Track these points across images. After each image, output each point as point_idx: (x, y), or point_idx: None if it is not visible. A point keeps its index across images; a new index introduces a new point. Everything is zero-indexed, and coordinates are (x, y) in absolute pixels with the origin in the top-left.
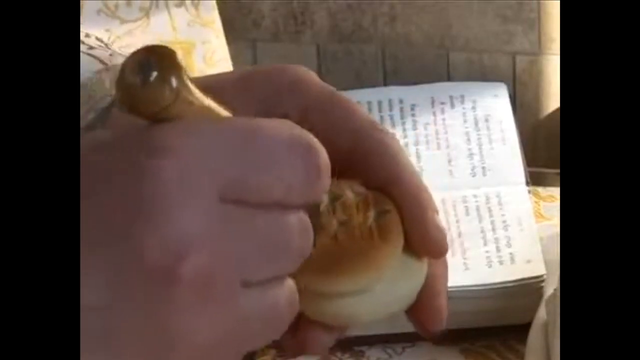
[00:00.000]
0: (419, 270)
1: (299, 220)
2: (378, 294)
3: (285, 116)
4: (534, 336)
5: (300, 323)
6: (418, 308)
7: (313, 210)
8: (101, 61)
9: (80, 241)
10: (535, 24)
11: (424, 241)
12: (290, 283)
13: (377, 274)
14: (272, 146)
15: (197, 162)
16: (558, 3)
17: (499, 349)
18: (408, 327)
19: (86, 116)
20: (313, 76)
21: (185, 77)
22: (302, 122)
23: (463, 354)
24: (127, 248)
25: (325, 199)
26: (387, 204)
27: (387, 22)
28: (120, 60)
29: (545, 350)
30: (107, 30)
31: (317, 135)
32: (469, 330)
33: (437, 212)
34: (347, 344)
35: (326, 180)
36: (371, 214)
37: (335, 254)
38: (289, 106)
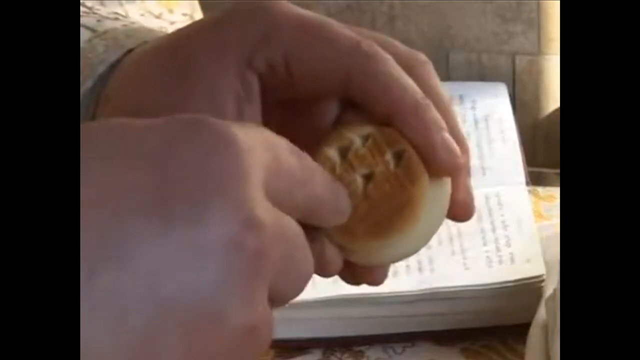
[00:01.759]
0: (445, 187)
1: (308, 245)
2: (418, 231)
3: (270, 67)
4: (534, 336)
5: (350, 266)
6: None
7: None
8: (90, 28)
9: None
10: (535, 24)
11: (437, 164)
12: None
13: (418, 218)
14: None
15: (250, 153)
16: (557, 3)
17: (499, 349)
18: (408, 327)
19: (84, 83)
20: (287, 12)
21: None
22: (287, 67)
23: (463, 354)
24: (193, 220)
25: (336, 157)
26: (399, 140)
27: (387, 22)
28: (109, 25)
29: (545, 350)
30: None
31: (306, 80)
32: (468, 330)
33: (443, 128)
34: (347, 343)
35: None
36: (389, 157)
37: (372, 216)
38: (269, 57)
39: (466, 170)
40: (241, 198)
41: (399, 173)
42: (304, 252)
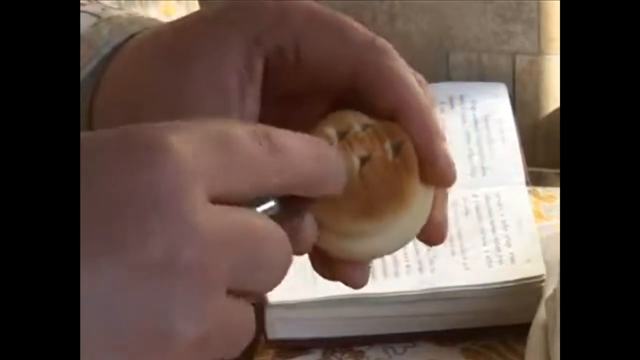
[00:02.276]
0: (430, 194)
1: (281, 237)
2: (403, 226)
3: (279, 50)
4: (534, 336)
5: (329, 260)
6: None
7: None
8: (94, 15)
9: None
10: (535, 24)
11: (433, 171)
12: (251, 310)
13: (407, 209)
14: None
15: (189, 161)
16: (557, 3)
17: (499, 349)
18: (408, 327)
19: (88, 64)
20: (298, 2)
21: None
22: (297, 52)
23: (463, 354)
24: (133, 242)
25: (334, 137)
26: (400, 133)
27: (387, 21)
28: (113, 13)
29: (545, 350)
30: None
31: (314, 68)
32: (469, 330)
33: (444, 139)
34: (347, 344)
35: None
36: (388, 146)
37: (364, 195)
38: (279, 40)
39: (445, 192)
40: (176, 211)
41: (397, 162)
42: (273, 245)
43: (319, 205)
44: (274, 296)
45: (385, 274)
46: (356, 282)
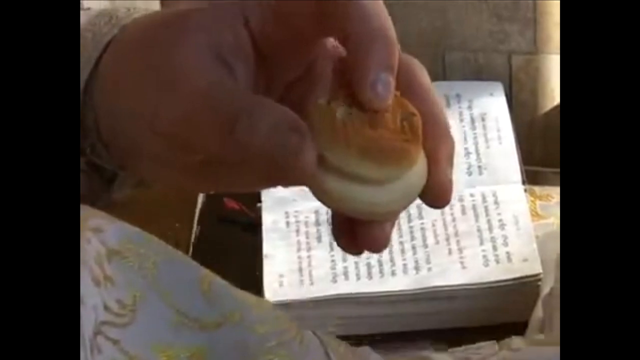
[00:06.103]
0: (426, 169)
1: None
2: (405, 181)
3: None
4: (531, 335)
5: (351, 226)
6: (427, 186)
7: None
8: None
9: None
10: (531, 23)
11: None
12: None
13: (411, 165)
14: None
15: None
16: (554, 2)
17: None
18: (405, 326)
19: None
20: None
21: None
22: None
23: None
24: None
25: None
26: (411, 108)
27: None
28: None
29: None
30: None
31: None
32: (466, 329)
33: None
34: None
35: None
36: (398, 115)
37: (373, 137)
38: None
39: (448, 158)
40: None
41: (405, 125)
42: None
43: (325, 139)
44: (272, 296)
45: (381, 272)
46: (378, 242)
